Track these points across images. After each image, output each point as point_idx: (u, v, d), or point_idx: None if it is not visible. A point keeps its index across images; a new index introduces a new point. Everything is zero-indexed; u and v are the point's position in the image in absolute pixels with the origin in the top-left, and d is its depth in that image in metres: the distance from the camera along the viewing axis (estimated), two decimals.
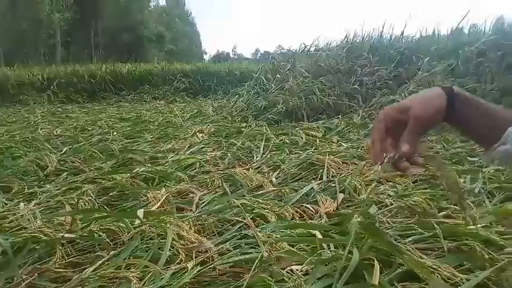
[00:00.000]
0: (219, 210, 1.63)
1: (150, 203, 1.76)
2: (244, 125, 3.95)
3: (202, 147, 2.98)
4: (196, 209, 1.70)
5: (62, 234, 1.37)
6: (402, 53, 4.76)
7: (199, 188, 2.00)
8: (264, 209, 1.60)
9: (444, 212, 1.67)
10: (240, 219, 1.50)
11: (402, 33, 5.50)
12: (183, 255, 1.24)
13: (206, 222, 1.50)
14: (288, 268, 1.14)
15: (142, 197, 1.82)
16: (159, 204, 1.74)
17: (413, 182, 2.06)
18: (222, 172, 2.21)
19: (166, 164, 2.48)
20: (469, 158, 2.53)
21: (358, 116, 4.01)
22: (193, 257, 1.22)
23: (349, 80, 4.60)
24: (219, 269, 1.17)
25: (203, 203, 1.78)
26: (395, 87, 4.34)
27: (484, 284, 1.08)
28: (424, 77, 4.18)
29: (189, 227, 1.46)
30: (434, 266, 1.13)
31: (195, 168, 2.36)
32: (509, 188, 1.93)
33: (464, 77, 4.02)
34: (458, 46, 4.49)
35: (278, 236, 1.33)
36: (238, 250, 1.24)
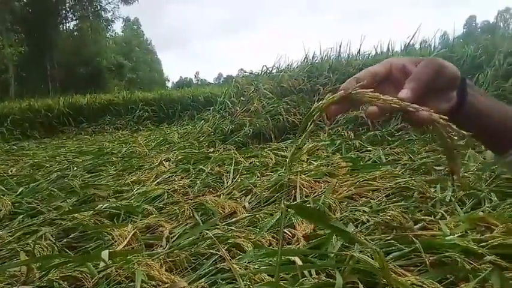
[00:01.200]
0: (191, 243, 1.53)
1: (115, 242, 1.63)
2: (211, 150, 3.87)
3: (169, 177, 2.86)
4: (166, 244, 1.59)
5: None
6: (360, 69, 4.88)
7: (169, 221, 1.90)
8: (239, 237, 1.52)
9: (420, 224, 1.67)
10: (214, 251, 1.41)
11: (359, 51, 5.72)
12: None
13: (178, 258, 1.40)
14: None
15: (106, 236, 1.69)
16: (125, 242, 1.61)
17: (386, 196, 2.06)
18: (192, 201, 2.12)
19: (132, 197, 2.35)
20: (435, 167, 2.58)
21: (325, 133, 4.05)
22: None
23: (312, 99, 4.66)
24: None
25: (174, 236, 1.68)
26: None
27: None
28: None
29: (159, 265, 1.35)
30: (419, 283, 1.10)
31: (163, 200, 2.25)
32: (477, 195, 1.97)
33: None
34: None
35: (256, 266, 1.25)
36: (214, 287, 1.15)
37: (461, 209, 1.87)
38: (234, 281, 1.17)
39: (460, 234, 1.51)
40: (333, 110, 0.51)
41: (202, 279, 1.21)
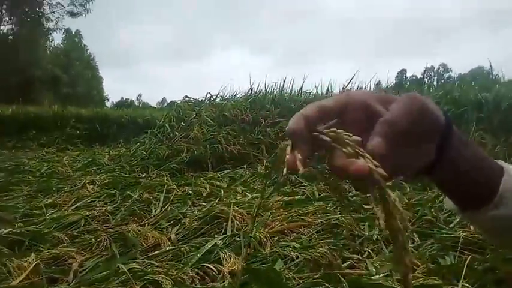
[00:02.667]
0: (103, 278, 1.36)
1: (11, 275, 1.40)
2: (143, 175, 3.65)
3: (91, 201, 2.62)
4: (73, 279, 1.40)
5: None
6: (301, 106, 5.04)
7: (81, 252, 1.69)
8: (159, 273, 1.38)
9: (348, 263, 1.66)
10: None
11: (301, 88, 5.94)
12: None
13: None
14: None
15: (1, 269, 1.44)
16: (23, 276, 1.39)
17: (316, 232, 2.05)
18: (112, 230, 1.92)
19: (43, 222, 2.09)
20: (364, 205, 2.65)
21: (262, 165, 4.04)
22: None
23: (253, 130, 4.68)
24: None
25: (84, 270, 1.48)
26: None
27: None
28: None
29: None
30: None
31: (79, 227, 2.02)
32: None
33: None
34: None
35: None
36: None
37: (387, 248, 1.91)
38: None
39: (385, 274, 1.52)
40: (290, 160, 0.39)
41: None
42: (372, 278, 1.43)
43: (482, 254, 1.70)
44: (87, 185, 3.06)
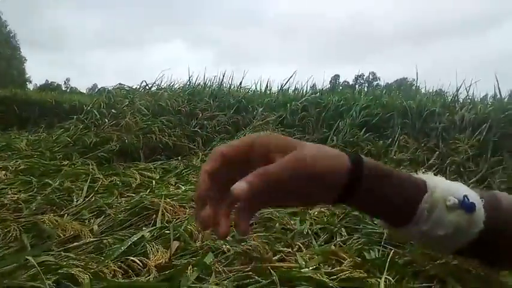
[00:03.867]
0: (8, 272, 1.19)
1: None
2: (66, 163, 3.35)
3: (2, 189, 2.33)
4: None
5: None
6: (240, 101, 5.05)
7: None
8: (76, 266, 1.25)
9: (279, 256, 1.66)
10: (36, 284, 1.11)
11: (240, 83, 5.92)
12: None
13: None
14: None
15: None
16: None
17: (250, 225, 2.03)
18: (24, 220, 1.72)
19: None
20: None
21: (198, 158, 3.94)
22: None
23: (190, 122, 4.56)
24: None
25: None
26: (233, 132, 4.52)
27: None
28: (259, 125, 4.48)
29: None
30: None
31: None
32: (330, 229, 2.09)
33: (291, 127, 4.50)
34: (287, 100, 5.06)
35: None
36: None
37: (317, 242, 1.95)
38: None
39: (314, 267, 1.54)
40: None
41: None
42: (302, 270, 1.44)
43: (403, 249, 1.81)
44: None
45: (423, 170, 3.68)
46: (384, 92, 6.07)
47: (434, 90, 5.70)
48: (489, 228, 0.49)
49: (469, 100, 5.32)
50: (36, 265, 1.10)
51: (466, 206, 0.48)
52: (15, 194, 2.22)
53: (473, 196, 0.51)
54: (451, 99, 5.34)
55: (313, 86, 6.42)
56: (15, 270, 1.22)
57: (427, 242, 0.51)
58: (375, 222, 2.35)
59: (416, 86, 5.80)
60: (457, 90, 5.27)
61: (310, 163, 0.44)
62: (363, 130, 4.32)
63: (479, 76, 5.75)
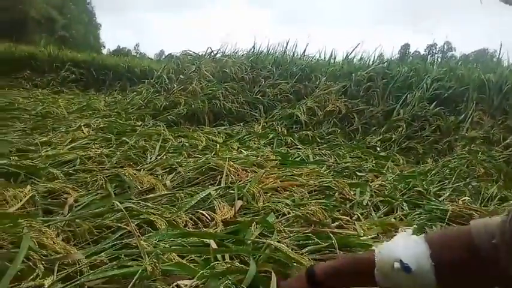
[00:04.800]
0: (98, 214, 1.38)
1: (7, 203, 1.41)
2: (140, 123, 3.63)
3: (87, 143, 2.61)
4: (68, 213, 1.42)
5: None
6: (303, 70, 4.99)
7: (77, 189, 1.70)
8: (154, 214, 1.40)
9: (337, 223, 1.70)
10: (122, 225, 1.27)
11: (304, 51, 5.82)
12: (42, 268, 0.97)
13: (79, 228, 1.24)
14: (176, 284, 0.98)
15: None
16: (19, 205, 1.40)
17: (308, 192, 2.08)
18: (108, 171, 1.93)
19: (39, 158, 2.08)
20: (357, 172, 2.69)
21: (259, 125, 4.03)
22: (55, 271, 0.97)
23: (252, 90, 4.63)
24: (88, 286, 0.94)
25: (79, 205, 1.50)
26: (294, 101, 4.51)
27: None
28: (321, 95, 4.43)
29: (56, 234, 1.18)
30: None
31: (74, 166, 2.02)
32: (391, 202, 2.08)
33: (355, 98, 4.38)
34: (351, 70, 4.90)
35: (167, 245, 1.15)
36: (115, 262, 1.03)
37: (376, 213, 1.96)
38: (139, 258, 1.06)
39: (372, 236, 1.56)
40: None
41: (103, 253, 1.07)
42: (361, 238, 1.48)
43: None
44: (83, 128, 3.04)
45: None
46: (459, 63, 5.59)
47: None
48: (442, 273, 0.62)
49: None
50: (123, 209, 1.26)
51: (404, 268, 0.63)
52: (98, 148, 2.48)
53: (412, 254, 0.64)
54: None
55: (381, 56, 6.11)
56: (104, 213, 1.40)
57: None
58: (440, 198, 2.29)
59: (498, 57, 5.26)
60: None
61: None
62: (433, 104, 4.07)
63: None
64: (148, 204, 1.56)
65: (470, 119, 3.91)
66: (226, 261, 1.09)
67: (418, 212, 1.96)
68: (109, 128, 3.19)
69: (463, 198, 2.30)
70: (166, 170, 2.15)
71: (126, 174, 1.89)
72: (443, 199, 2.27)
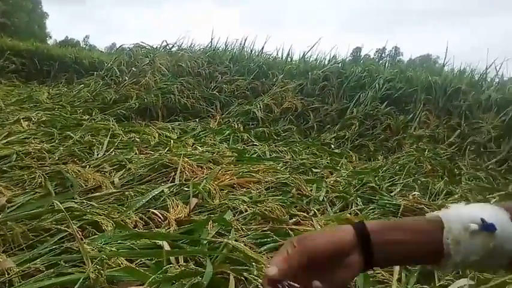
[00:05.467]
0: (34, 215, 1.24)
1: None
2: (86, 117, 3.40)
3: (25, 138, 2.38)
4: None
5: None
6: (260, 67, 4.96)
7: (11, 187, 1.53)
8: (99, 215, 1.29)
9: (294, 219, 1.68)
10: (62, 227, 1.15)
11: (262, 49, 5.80)
12: None
13: (11, 232, 1.10)
14: None
15: None
16: None
17: (266, 189, 2.04)
18: (48, 169, 1.76)
19: None
20: (313, 169, 2.71)
21: (215, 121, 3.95)
22: None
23: (209, 85, 4.53)
24: None
25: (13, 206, 1.34)
26: (251, 98, 4.48)
27: None
28: (277, 92, 4.42)
29: None
30: None
31: (10, 162, 1.83)
32: (346, 198, 2.10)
33: (311, 96, 4.42)
34: (308, 69, 4.95)
35: (113, 249, 1.05)
36: (53, 270, 0.91)
37: (332, 209, 1.96)
38: (81, 264, 0.96)
39: None
40: None
41: (38, 260, 0.95)
42: None
43: None
44: (22, 121, 2.78)
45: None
46: (408, 67, 5.86)
47: (461, 68, 5.47)
48: None
49: (497, 80, 5.12)
50: (63, 209, 1.14)
51: (486, 227, 0.50)
52: (38, 144, 2.27)
53: (493, 215, 0.51)
54: (479, 78, 5.13)
55: (334, 57, 6.24)
56: (42, 214, 1.26)
57: (468, 267, 0.54)
58: (391, 194, 2.35)
59: (443, 62, 5.57)
60: (486, 69, 5.07)
61: (312, 248, 0.49)
62: (385, 103, 4.22)
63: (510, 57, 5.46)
64: (94, 203, 1.43)
65: (418, 119, 4.10)
66: (180, 264, 1.02)
67: (372, 207, 1.99)
68: (52, 121, 2.95)
69: (413, 193, 2.39)
70: (115, 166, 2.01)
71: (69, 171, 1.73)
72: (395, 194, 2.34)
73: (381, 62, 7.13)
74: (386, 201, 2.09)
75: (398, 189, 2.42)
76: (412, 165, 3.16)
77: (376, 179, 2.60)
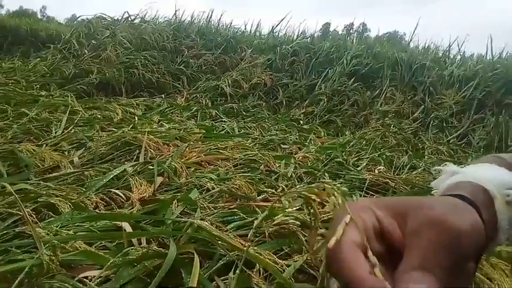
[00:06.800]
0: None
1: None
2: (44, 93, 3.20)
3: None
4: None
5: None
6: (228, 41, 4.84)
7: None
8: (56, 196, 1.21)
9: (262, 196, 1.67)
10: (14, 211, 1.07)
11: (230, 23, 5.65)
12: None
13: None
14: (82, 275, 0.84)
15: None
16: None
17: (234, 166, 2.02)
18: (0, 148, 1.64)
19: None
20: (282, 145, 2.70)
21: (182, 97, 3.84)
22: None
23: (174, 60, 4.38)
24: None
25: None
26: (219, 73, 4.38)
27: (302, 267, 1.06)
28: (246, 67, 4.35)
29: None
30: (257, 254, 1.05)
31: None
32: (314, 173, 2.11)
33: (280, 72, 4.38)
34: (276, 44, 4.88)
35: (71, 232, 0.99)
36: (2, 257, 0.85)
37: (300, 184, 1.97)
38: (35, 250, 0.90)
39: (298, 207, 1.56)
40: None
41: None
42: (286, 210, 1.45)
43: (385, 195, 1.85)
44: None
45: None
46: (375, 42, 5.92)
47: (425, 46, 5.59)
48: None
49: (459, 57, 5.28)
50: (13, 192, 1.06)
51: None
52: None
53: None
54: (442, 55, 5.27)
55: (303, 32, 6.19)
56: None
57: None
58: (358, 168, 2.40)
59: (409, 39, 5.67)
60: (449, 46, 5.21)
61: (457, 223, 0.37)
62: (352, 79, 4.25)
63: (472, 37, 5.65)
64: (50, 184, 1.35)
65: (384, 95, 4.17)
66: (143, 246, 0.98)
67: (339, 182, 2.01)
68: (5, 98, 2.75)
69: (378, 168, 2.44)
70: (74, 145, 1.91)
71: (24, 150, 1.62)
72: (361, 169, 2.38)
73: (348, 37, 7.15)
74: (353, 176, 2.13)
75: (365, 164, 2.47)
76: (378, 140, 3.23)
77: (344, 154, 2.64)
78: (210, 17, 5.50)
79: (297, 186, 1.78)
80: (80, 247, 0.94)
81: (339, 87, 4.14)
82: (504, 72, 4.41)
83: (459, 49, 5.28)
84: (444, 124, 4.02)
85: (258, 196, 1.64)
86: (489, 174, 0.45)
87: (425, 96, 4.23)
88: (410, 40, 5.70)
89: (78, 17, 6.16)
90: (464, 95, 4.23)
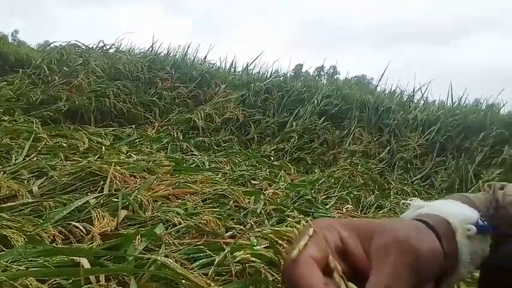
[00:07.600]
0: None
1: None
2: (7, 118, 3.07)
3: None
4: None
5: None
6: (203, 75, 4.90)
7: None
8: (9, 228, 1.14)
9: (231, 232, 1.64)
10: None
11: (205, 57, 5.74)
12: None
13: None
14: None
15: None
16: None
17: (202, 200, 1.98)
18: None
19: None
20: (252, 180, 2.69)
21: (153, 128, 3.80)
22: None
23: (148, 91, 4.36)
24: None
25: None
26: (192, 106, 4.39)
27: None
28: (219, 102, 4.39)
29: None
30: None
31: None
32: (283, 210, 2.11)
33: (252, 108, 4.45)
34: (250, 80, 4.99)
35: (22, 267, 0.93)
36: None
37: (269, 221, 1.95)
38: None
39: (266, 245, 1.53)
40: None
41: None
42: (254, 248, 1.43)
43: None
44: None
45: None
46: (344, 85, 6.18)
47: (391, 90, 5.90)
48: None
49: (422, 101, 5.59)
50: None
51: (481, 228, 0.45)
52: None
53: (475, 215, 0.47)
54: (407, 99, 5.57)
55: (277, 71, 6.39)
56: None
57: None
58: (326, 206, 2.42)
59: (377, 83, 5.97)
60: (414, 91, 5.51)
61: (417, 249, 0.39)
62: (322, 119, 4.38)
63: (436, 82, 6.02)
64: (5, 215, 1.27)
65: (352, 135, 4.31)
66: (101, 284, 0.92)
67: (308, 219, 2.01)
68: None
69: (346, 206, 2.48)
70: (35, 173, 1.82)
71: None
72: (330, 207, 2.40)
73: (319, 79, 7.43)
74: (321, 214, 2.14)
75: (333, 202, 2.50)
76: (346, 179, 3.30)
77: (313, 191, 2.66)
78: (187, 51, 5.58)
79: (265, 226, 1.76)
80: (30, 284, 0.87)
81: (310, 126, 4.24)
82: (463, 118, 4.70)
83: (422, 94, 5.60)
84: (409, 165, 4.16)
85: (226, 232, 1.61)
86: (453, 209, 0.47)
87: (391, 138, 4.40)
88: (377, 85, 6.00)
89: (51, 43, 6.10)
90: (427, 138, 4.43)
